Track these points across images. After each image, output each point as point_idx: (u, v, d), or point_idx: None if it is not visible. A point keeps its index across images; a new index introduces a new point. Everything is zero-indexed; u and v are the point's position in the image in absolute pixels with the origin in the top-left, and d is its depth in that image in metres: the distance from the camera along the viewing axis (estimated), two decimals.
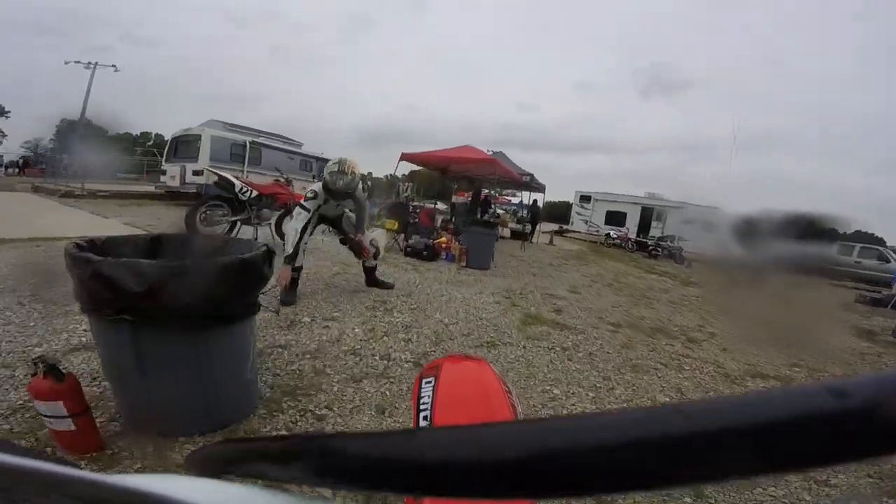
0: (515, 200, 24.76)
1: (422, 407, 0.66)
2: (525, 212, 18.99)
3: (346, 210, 3.95)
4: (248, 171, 13.00)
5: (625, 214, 23.32)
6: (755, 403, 0.15)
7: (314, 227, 3.83)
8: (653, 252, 17.66)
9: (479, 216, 11.69)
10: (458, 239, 7.67)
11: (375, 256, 4.13)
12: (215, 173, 5.24)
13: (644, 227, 22.48)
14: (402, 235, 7.48)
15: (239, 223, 5.33)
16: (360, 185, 3.72)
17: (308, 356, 2.59)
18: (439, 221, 9.53)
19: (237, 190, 5.14)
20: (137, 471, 1.47)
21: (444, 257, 7.19)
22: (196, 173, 12.29)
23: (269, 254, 1.73)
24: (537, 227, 16.60)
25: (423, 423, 0.63)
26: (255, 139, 13.60)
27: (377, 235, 6.21)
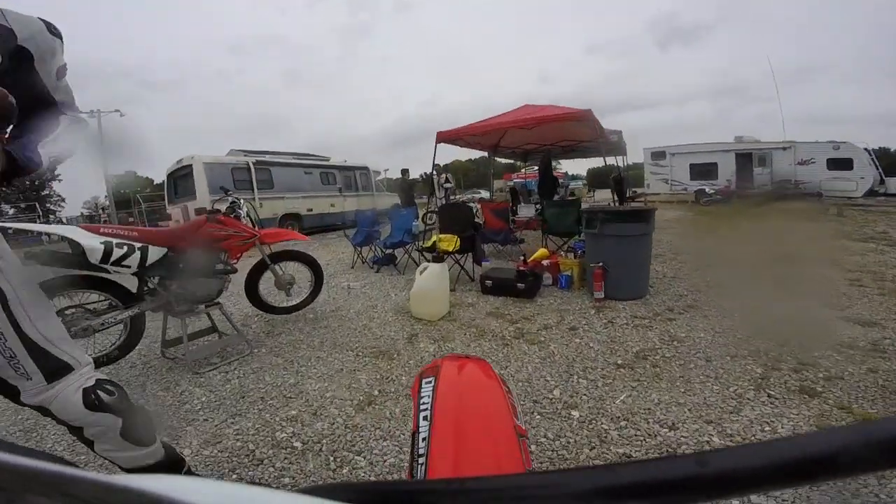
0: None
1: (422, 407, 0.64)
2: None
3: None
4: (260, 198, 10.67)
5: (715, 165, 19.21)
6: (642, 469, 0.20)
7: None
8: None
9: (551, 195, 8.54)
10: (559, 243, 4.62)
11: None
12: (47, 233, 2.43)
13: (744, 176, 18.34)
14: (471, 255, 4.51)
15: (132, 322, 2.48)
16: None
17: None
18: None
19: (93, 257, 2.09)
20: None
21: (548, 282, 4.16)
22: (198, 213, 10.08)
23: None
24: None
25: (422, 423, 0.61)
26: (261, 158, 11.15)
27: (430, 274, 3.30)
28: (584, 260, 4.05)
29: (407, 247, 5.20)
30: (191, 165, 10.09)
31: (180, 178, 10.69)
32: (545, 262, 4.25)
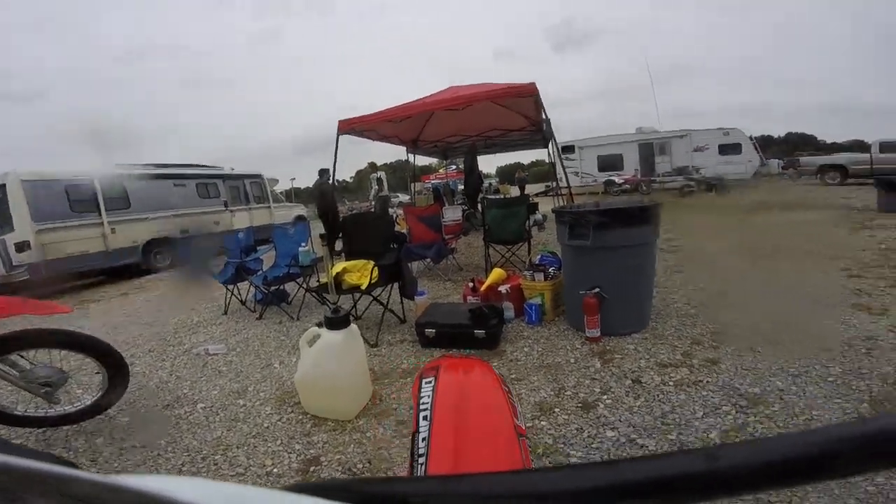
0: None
1: (422, 407, 0.64)
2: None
3: None
4: (110, 223, 8.20)
5: (621, 156, 19.87)
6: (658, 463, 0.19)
7: None
8: (685, 189, 14.29)
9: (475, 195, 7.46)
10: (503, 252, 3.34)
11: None
12: None
13: (647, 165, 19.11)
14: (398, 286, 3.10)
15: None
16: None
17: None
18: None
19: None
20: None
21: (510, 316, 2.92)
22: (20, 248, 7.38)
23: None
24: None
25: (423, 423, 0.61)
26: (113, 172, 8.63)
27: (325, 350, 1.82)
28: (561, 281, 2.86)
29: (299, 280, 3.61)
30: (4, 185, 7.39)
31: None
32: (503, 288, 3.00)
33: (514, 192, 17.72)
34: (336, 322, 1.77)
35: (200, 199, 9.87)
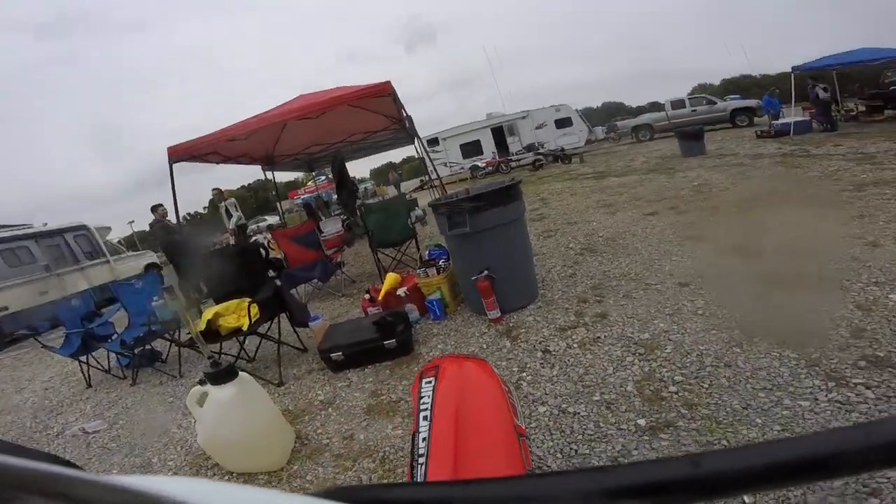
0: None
1: (422, 406, 0.64)
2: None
3: None
4: None
5: (479, 142, 21.12)
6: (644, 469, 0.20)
7: None
8: (537, 164, 15.80)
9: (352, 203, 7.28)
10: (393, 254, 3.31)
11: None
12: None
13: (501, 146, 20.68)
14: (288, 315, 2.84)
15: None
16: None
17: None
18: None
19: None
20: None
21: (415, 318, 2.90)
22: None
23: None
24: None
25: (422, 423, 0.61)
26: None
27: (221, 408, 1.57)
28: (452, 272, 2.92)
29: (167, 336, 3.08)
30: None
31: None
32: (401, 292, 2.95)
33: (391, 192, 17.80)
34: (219, 376, 1.53)
35: (10, 268, 7.83)
